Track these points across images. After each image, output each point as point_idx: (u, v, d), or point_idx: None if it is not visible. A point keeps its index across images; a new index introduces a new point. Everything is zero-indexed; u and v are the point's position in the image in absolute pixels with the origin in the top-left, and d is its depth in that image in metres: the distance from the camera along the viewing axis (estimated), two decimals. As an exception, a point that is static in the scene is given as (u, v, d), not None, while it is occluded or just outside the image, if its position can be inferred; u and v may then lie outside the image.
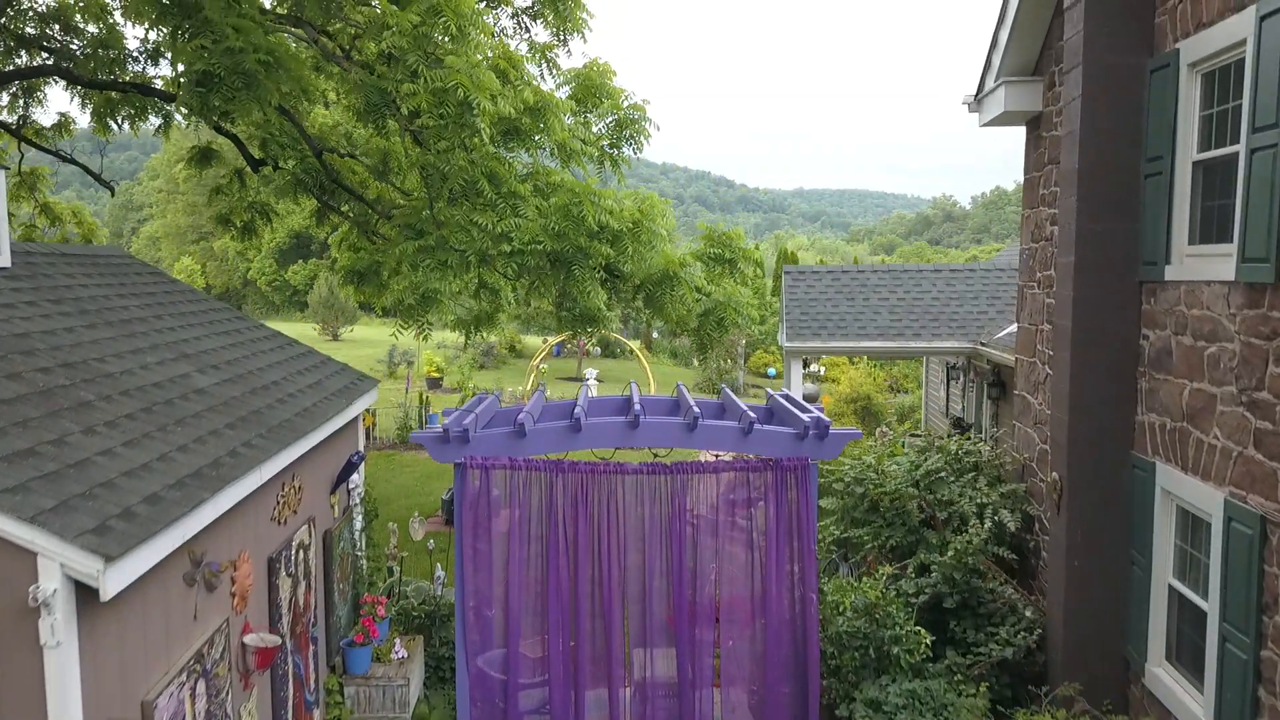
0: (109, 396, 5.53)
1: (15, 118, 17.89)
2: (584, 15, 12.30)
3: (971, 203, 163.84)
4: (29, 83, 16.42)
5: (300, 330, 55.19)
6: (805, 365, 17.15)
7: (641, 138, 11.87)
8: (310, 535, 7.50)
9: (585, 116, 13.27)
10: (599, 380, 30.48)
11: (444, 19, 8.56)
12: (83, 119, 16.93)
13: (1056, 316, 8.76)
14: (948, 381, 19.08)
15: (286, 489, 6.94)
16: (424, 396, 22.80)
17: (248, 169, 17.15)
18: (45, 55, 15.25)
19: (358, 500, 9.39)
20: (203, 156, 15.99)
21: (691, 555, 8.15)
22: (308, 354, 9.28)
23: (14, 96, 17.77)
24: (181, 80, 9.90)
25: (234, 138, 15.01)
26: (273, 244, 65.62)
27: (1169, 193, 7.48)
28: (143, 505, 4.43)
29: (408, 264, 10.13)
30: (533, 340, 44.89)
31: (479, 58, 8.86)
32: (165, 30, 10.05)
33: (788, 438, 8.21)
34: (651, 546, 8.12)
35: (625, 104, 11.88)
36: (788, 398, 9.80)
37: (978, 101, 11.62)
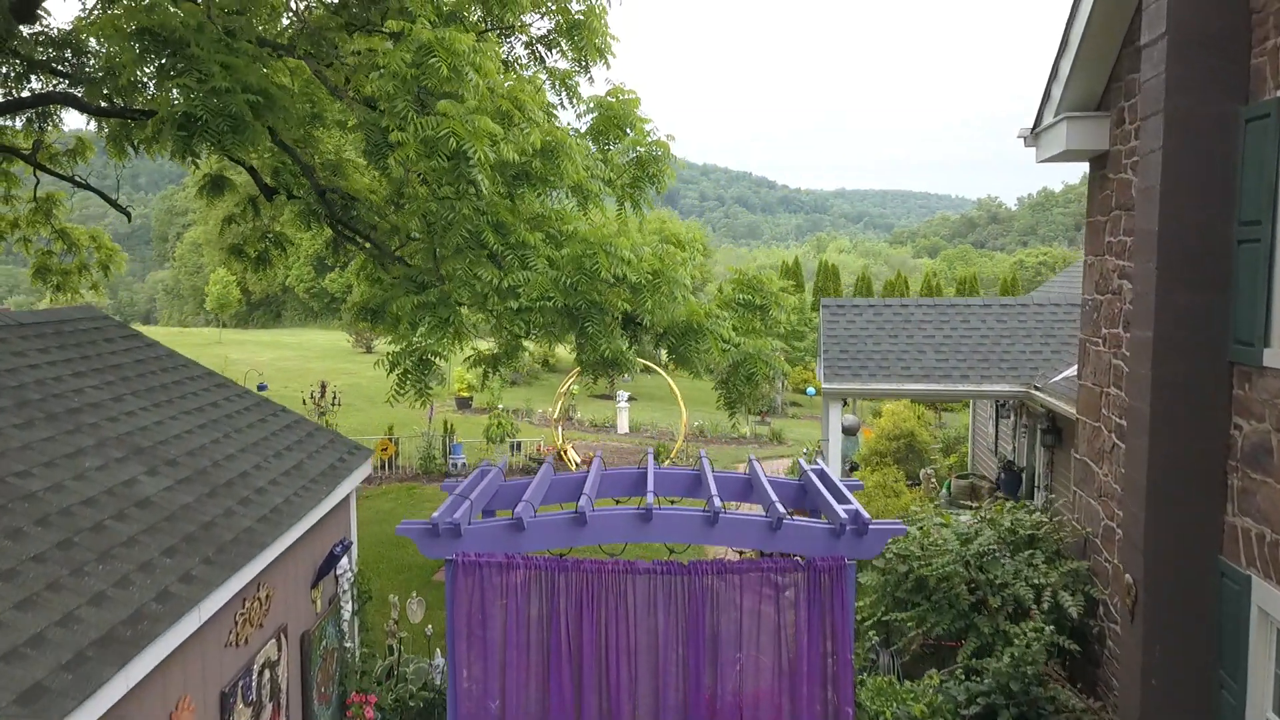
0: (19, 530, 4.74)
1: (31, 142, 17.43)
2: (605, 40, 11.40)
3: (1017, 204, 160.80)
4: (43, 107, 15.94)
5: (335, 339, 54.98)
6: (845, 404, 16.12)
7: (664, 178, 10.95)
8: (281, 648, 6.68)
9: (607, 148, 12.41)
10: (632, 399, 29.60)
11: (435, 60, 7.69)
12: (100, 142, 16.44)
13: (1132, 394, 7.70)
14: (997, 418, 17.93)
15: (249, 603, 6.12)
16: (448, 425, 22.07)
17: (261, 197, 16.53)
18: (57, 80, 14.70)
19: (347, 585, 8.58)
20: (215, 185, 15.33)
21: (710, 666, 7.23)
22: (293, 426, 8.48)
23: (29, 120, 17.30)
24: (163, 122, 9.19)
25: (247, 165, 14.36)
26: (311, 251, 65.58)
27: (1268, 263, 6.41)
28: (15, 706, 3.60)
29: (406, 321, 9.31)
30: (566, 354, 44.11)
31: (474, 101, 7.98)
32: (149, 70, 9.36)
33: (821, 534, 7.26)
34: (666, 656, 7.20)
35: (648, 139, 10.97)
36: (823, 475, 8.83)
37: (1035, 136, 10.55)
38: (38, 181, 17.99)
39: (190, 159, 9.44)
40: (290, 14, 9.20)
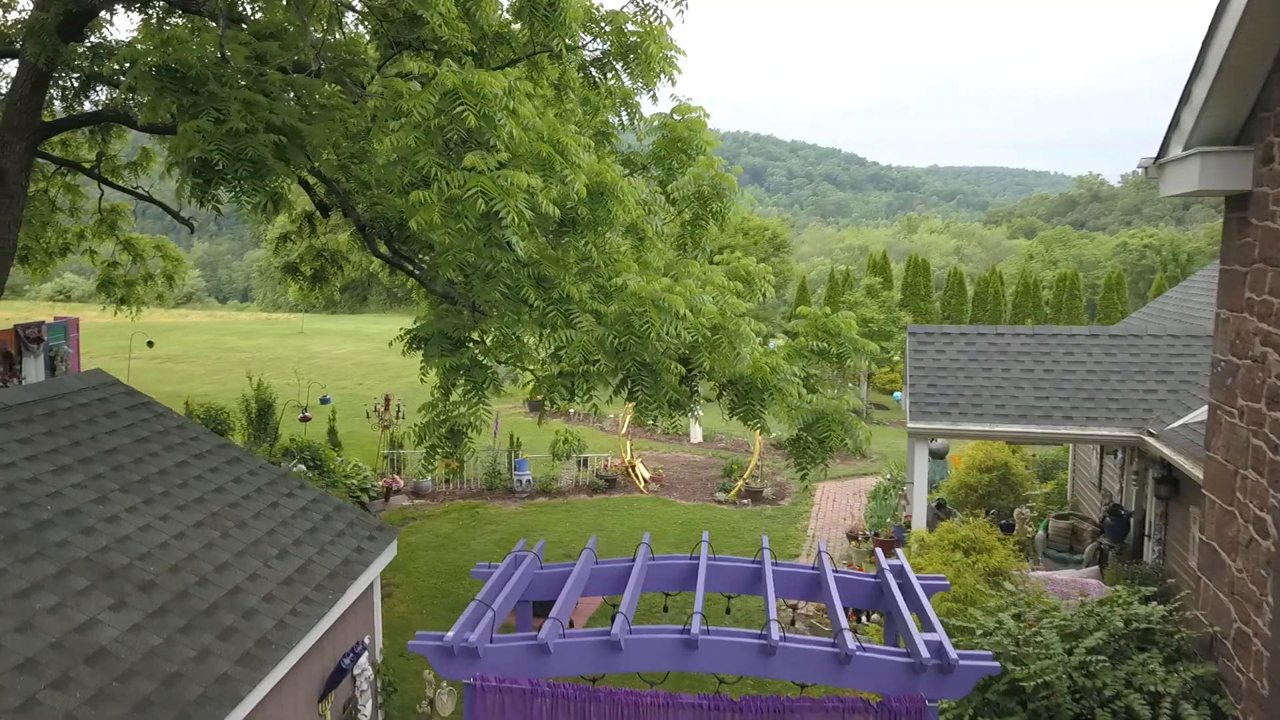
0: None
1: (95, 154, 17.19)
2: (667, 57, 10.30)
3: (1121, 181, 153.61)
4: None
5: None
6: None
7: (727, 214, 9.84)
8: (272, 791, 5.91)
9: (671, 169, 11.35)
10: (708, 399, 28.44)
11: (462, 108, 6.73)
12: (164, 152, 16.07)
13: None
14: (1102, 451, 16.35)
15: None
16: (514, 439, 21.36)
17: (318, 213, 15.93)
18: (114, 94, 14.28)
19: (365, 685, 7.79)
20: (269, 201, 14.76)
21: (764, 822, 6.23)
22: (310, 507, 7.70)
23: (91, 133, 17.05)
24: (178, 167, 8.49)
25: (302, 181, 13.74)
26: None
27: None
28: None
29: (439, 384, 8.46)
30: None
31: (506, 154, 7.00)
32: (169, 111, 8.66)
33: (899, 669, 6.15)
34: (711, 808, 6.23)
35: (711, 172, 9.88)
36: (901, 574, 7.70)
37: (1159, 167, 9.12)
38: (102, 194, 17.80)
39: (211, 203, 8.74)
40: (310, 47, 8.33)
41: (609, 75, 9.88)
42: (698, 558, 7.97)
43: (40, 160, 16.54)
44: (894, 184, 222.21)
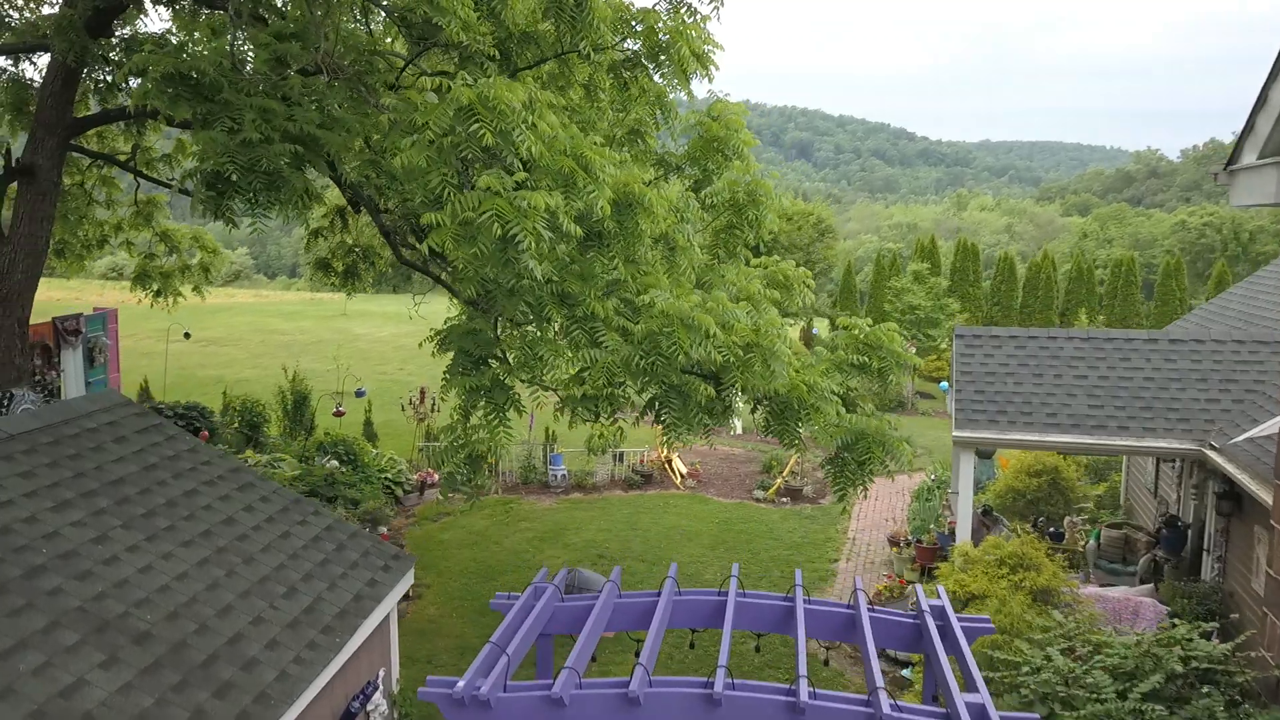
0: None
1: (130, 145, 17.09)
2: (705, 50, 9.80)
3: (1181, 156, 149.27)
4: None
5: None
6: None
7: (764, 224, 9.36)
8: None
9: (706, 170, 10.87)
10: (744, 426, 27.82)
11: (478, 125, 6.34)
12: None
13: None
14: (1159, 457, 15.64)
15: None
16: (550, 433, 21.09)
17: (350, 208, 15.68)
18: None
19: (380, 718, 7.54)
20: (300, 197, 14.50)
21: None
22: (324, 536, 7.43)
23: (126, 125, 16.93)
24: (191, 177, 8.24)
25: (334, 175, 13.48)
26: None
27: None
28: None
29: (459, 407, 8.13)
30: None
31: (523, 174, 6.60)
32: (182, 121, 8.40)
33: (938, 733, 5.76)
34: None
35: (747, 178, 9.40)
36: (942, 615, 7.26)
37: (1229, 174, 8.47)
38: (138, 185, 17.72)
39: (226, 216, 8.47)
40: (324, 55, 7.99)
41: (640, 75, 9.40)
42: (725, 594, 7.59)
43: (75, 154, 16.49)
44: (944, 159, 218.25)
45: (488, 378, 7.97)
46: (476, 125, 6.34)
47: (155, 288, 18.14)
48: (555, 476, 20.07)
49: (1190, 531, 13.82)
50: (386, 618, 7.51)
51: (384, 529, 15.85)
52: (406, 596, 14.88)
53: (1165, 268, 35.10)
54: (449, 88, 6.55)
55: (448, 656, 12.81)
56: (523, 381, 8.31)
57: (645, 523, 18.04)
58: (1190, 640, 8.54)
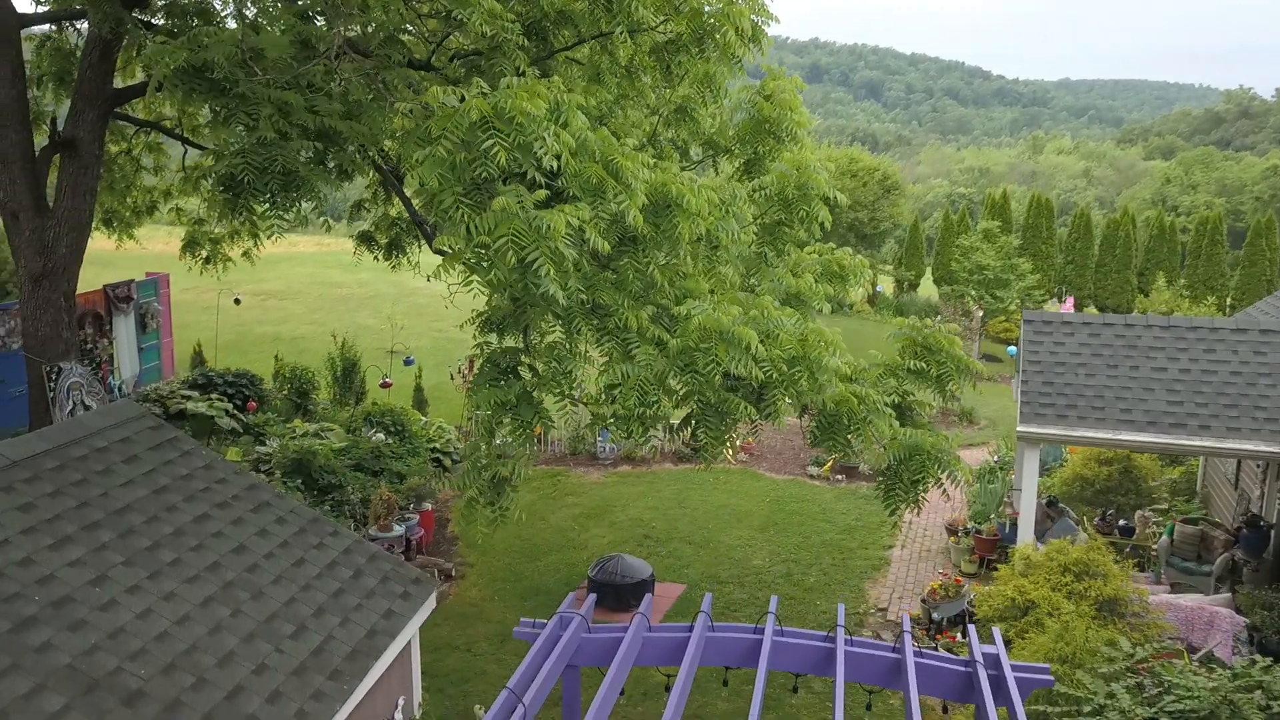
0: None
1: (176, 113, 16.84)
2: (756, 21, 9.07)
3: (1276, 95, 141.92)
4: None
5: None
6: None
7: (816, 221, 8.69)
8: None
9: (758, 155, 10.19)
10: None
11: (492, 142, 5.79)
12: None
13: None
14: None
15: None
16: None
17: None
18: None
19: (400, 750, 7.28)
20: (342, 168, 14.15)
21: None
22: (341, 560, 7.11)
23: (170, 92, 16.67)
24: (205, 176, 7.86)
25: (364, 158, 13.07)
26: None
27: None
28: None
29: (485, 418, 7.71)
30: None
31: (543, 193, 6.05)
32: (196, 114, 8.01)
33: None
34: None
35: (800, 173, 8.71)
36: (995, 664, 6.72)
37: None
38: (185, 151, 17.51)
39: (244, 213, 8.09)
40: (332, 60, 7.48)
41: (684, 59, 8.71)
42: (762, 630, 7.13)
43: (121, 122, 16.30)
44: (1020, 99, 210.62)
45: (514, 392, 7.52)
46: (490, 142, 5.80)
47: (205, 254, 18.01)
48: (604, 448, 19.73)
49: (1274, 533, 12.96)
50: (408, 643, 7.21)
51: (429, 504, 15.71)
52: (449, 576, 14.76)
53: (1255, 227, 33.09)
54: (463, 97, 6.00)
55: (487, 644, 12.62)
56: (553, 395, 7.87)
57: (694, 500, 17.63)
58: (1272, 683, 7.86)
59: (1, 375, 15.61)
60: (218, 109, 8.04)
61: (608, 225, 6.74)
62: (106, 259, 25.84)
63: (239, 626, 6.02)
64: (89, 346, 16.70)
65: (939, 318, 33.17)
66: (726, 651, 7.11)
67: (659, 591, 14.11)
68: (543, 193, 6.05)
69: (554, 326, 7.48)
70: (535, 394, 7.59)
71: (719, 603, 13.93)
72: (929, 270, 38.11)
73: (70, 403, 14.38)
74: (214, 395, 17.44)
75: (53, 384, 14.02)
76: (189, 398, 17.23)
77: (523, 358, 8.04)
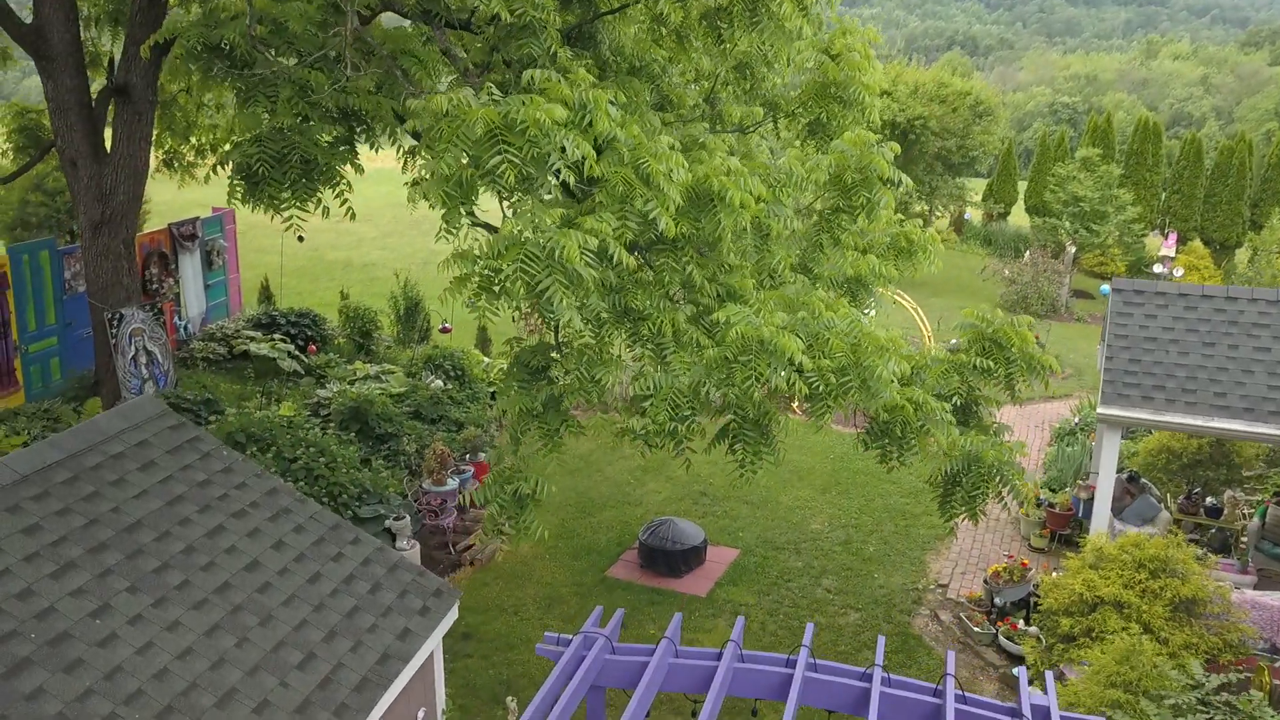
0: None
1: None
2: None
3: None
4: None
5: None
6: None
7: (875, 210, 7.94)
8: None
9: (821, 121, 9.42)
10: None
11: (500, 159, 5.24)
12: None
13: None
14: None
15: None
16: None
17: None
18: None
19: (420, 763, 7.16)
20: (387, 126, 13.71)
21: None
22: (359, 573, 6.90)
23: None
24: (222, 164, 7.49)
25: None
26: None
27: None
28: None
29: (511, 430, 7.35)
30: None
31: (561, 207, 5.50)
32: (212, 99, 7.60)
33: None
34: None
35: (855, 154, 7.92)
36: (1045, 717, 6.19)
37: None
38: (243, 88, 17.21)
39: (265, 200, 7.71)
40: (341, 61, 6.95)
41: (737, 28, 7.92)
42: (794, 662, 6.73)
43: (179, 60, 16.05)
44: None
45: (540, 399, 7.11)
46: (499, 159, 5.25)
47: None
48: (667, 394, 19.32)
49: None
50: (431, 654, 7.01)
51: (484, 455, 15.59)
52: (501, 531, 14.72)
53: None
54: (468, 104, 5.44)
55: (534, 609, 12.54)
56: (587, 397, 7.43)
57: (756, 454, 17.16)
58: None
59: (70, 317, 15.83)
60: (240, 87, 7.62)
61: (639, 229, 6.18)
62: (179, 207, 25.95)
63: (243, 659, 5.85)
64: (155, 287, 16.81)
65: (1028, 252, 31.53)
66: (756, 684, 6.73)
67: (711, 556, 13.82)
68: (560, 210, 5.51)
69: (583, 333, 7.00)
70: (564, 402, 7.16)
71: (772, 571, 13.59)
72: (1023, 197, 36.18)
73: (132, 348, 14.53)
74: (277, 336, 17.48)
75: (114, 331, 14.15)
76: (252, 338, 17.31)
77: (553, 355, 7.60)
